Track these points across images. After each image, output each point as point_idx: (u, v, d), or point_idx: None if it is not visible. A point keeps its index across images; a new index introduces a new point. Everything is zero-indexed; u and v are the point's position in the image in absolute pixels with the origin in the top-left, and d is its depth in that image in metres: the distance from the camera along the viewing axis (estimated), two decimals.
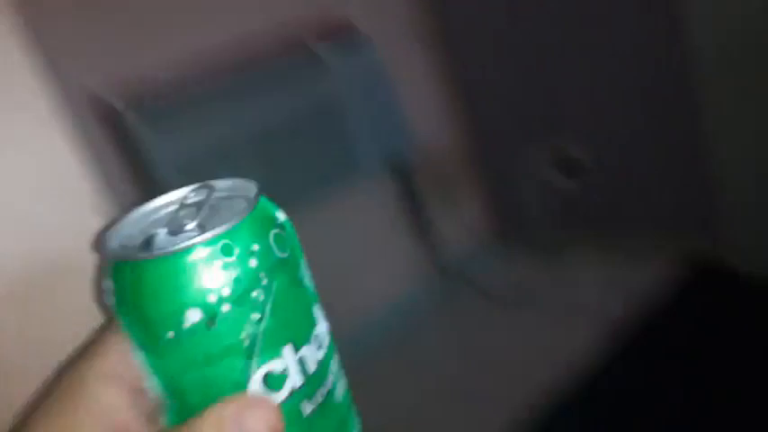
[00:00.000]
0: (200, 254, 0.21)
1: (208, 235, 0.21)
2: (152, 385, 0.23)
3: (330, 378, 0.24)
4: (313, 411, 0.23)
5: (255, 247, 0.22)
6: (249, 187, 0.24)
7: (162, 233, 0.23)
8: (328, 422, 0.24)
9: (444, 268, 1.99)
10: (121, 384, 0.23)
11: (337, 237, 1.67)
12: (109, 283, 0.22)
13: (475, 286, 1.92)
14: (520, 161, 1.87)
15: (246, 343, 0.21)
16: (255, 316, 0.21)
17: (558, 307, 1.70)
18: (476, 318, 1.73)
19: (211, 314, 0.21)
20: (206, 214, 0.23)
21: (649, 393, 1.25)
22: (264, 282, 0.22)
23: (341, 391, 0.25)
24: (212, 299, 0.21)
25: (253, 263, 0.21)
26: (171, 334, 0.21)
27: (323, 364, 0.24)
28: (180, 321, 0.21)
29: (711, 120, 1.40)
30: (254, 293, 0.21)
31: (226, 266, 0.21)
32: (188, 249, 0.21)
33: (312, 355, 0.23)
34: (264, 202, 0.24)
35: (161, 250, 0.22)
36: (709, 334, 1.37)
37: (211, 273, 0.21)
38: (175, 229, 0.23)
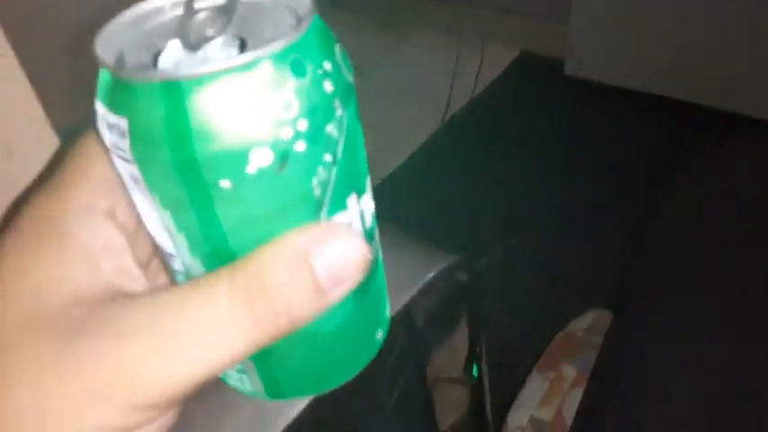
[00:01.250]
0: (268, 71, 0.15)
1: (276, 46, 0.16)
2: (174, 248, 0.17)
3: (377, 233, 0.21)
4: (368, 274, 0.19)
5: (328, 65, 0.17)
6: None
7: (174, 47, 0.17)
8: (378, 284, 0.22)
9: None
10: (110, 221, 0.18)
11: None
12: (117, 117, 0.16)
13: None
14: None
15: (318, 192, 0.17)
16: (328, 157, 0.17)
17: (391, 84, 1.69)
18: None
19: (283, 154, 0.16)
20: (240, 23, 0.17)
21: (474, 164, 1.39)
22: (339, 113, 0.17)
23: (380, 250, 0.22)
24: (286, 134, 0.16)
25: (328, 86, 0.17)
26: (226, 183, 0.16)
27: (374, 218, 0.21)
28: (242, 165, 0.15)
29: None
30: (330, 128, 0.17)
31: (300, 91, 0.16)
32: (252, 63, 0.15)
33: (369, 206, 0.20)
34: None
35: (209, 65, 0.15)
36: (531, 116, 1.51)
37: (284, 98, 0.16)
38: (195, 42, 0.17)
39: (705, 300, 0.43)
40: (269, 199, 0.16)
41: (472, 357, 0.50)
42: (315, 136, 0.16)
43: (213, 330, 0.16)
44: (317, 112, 0.16)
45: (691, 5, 1.34)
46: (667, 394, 0.40)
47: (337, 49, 0.18)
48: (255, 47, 0.16)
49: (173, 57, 0.17)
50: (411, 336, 0.47)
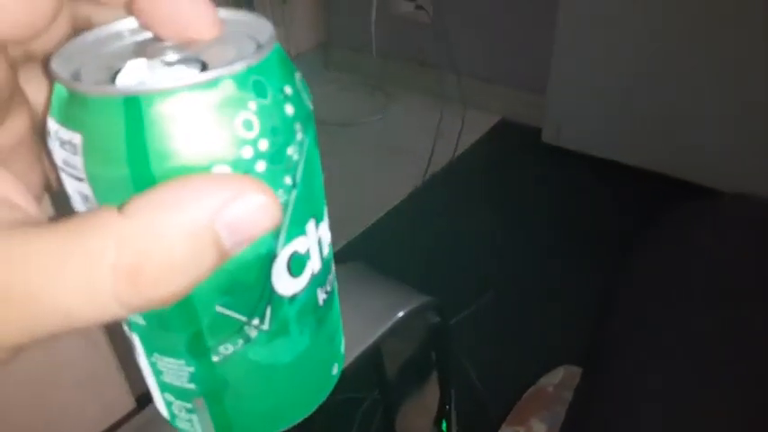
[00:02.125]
0: (230, 90, 0.15)
1: (238, 66, 0.15)
2: None
3: (333, 265, 0.21)
4: (324, 301, 0.20)
5: (289, 90, 0.17)
6: (246, 18, 0.18)
7: (134, 66, 0.16)
8: (334, 314, 0.21)
9: None
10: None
11: None
12: (71, 133, 0.15)
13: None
14: None
15: None
16: (288, 180, 0.16)
17: (377, 141, 1.75)
18: None
19: (243, 174, 0.15)
20: (200, 45, 0.17)
21: (452, 221, 1.44)
22: (299, 137, 0.17)
23: (334, 278, 0.21)
24: (247, 153, 0.15)
25: (289, 109, 0.16)
26: None
27: (330, 248, 0.20)
28: None
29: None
30: (290, 150, 0.16)
31: (261, 111, 0.16)
32: (214, 81, 0.15)
33: (326, 235, 0.19)
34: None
35: (170, 82, 0.14)
36: (508, 178, 1.58)
37: (246, 117, 0.15)
38: (156, 62, 0.16)
39: (671, 358, 0.45)
40: None
41: (442, 412, 0.50)
42: (275, 157, 0.16)
43: (88, 295, 0.13)
44: (278, 133, 0.16)
45: (661, 80, 1.43)
46: None
47: (297, 76, 0.18)
48: (217, 68, 0.15)
49: (131, 74, 0.16)
50: (381, 385, 0.48)
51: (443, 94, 1.72)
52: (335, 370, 0.21)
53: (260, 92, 0.16)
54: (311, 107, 0.18)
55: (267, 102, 0.16)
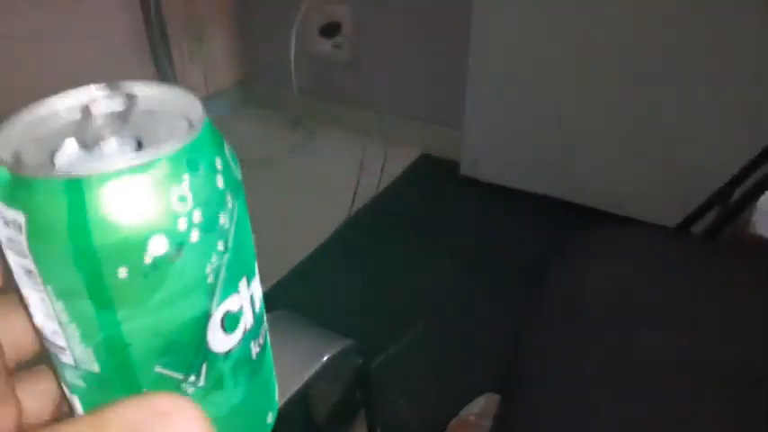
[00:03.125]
0: (164, 169, 0.16)
1: (172, 146, 0.17)
2: (65, 341, 0.18)
3: (264, 317, 0.22)
4: (257, 354, 0.21)
5: (219, 163, 0.18)
6: (178, 95, 0.19)
7: (71, 147, 0.17)
8: (267, 365, 0.22)
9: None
10: None
11: (69, 57, 1.42)
12: (15, 213, 0.16)
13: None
14: (283, 13, 1.78)
15: (210, 278, 0.18)
16: (221, 245, 0.18)
17: (301, 178, 1.75)
18: None
19: (179, 244, 0.17)
20: (136, 125, 0.18)
21: (378, 257, 1.45)
22: (230, 205, 0.18)
23: (267, 330, 0.23)
24: (182, 225, 0.17)
25: (220, 182, 0.18)
26: (123, 272, 0.16)
27: (262, 303, 0.21)
28: (140, 254, 0.16)
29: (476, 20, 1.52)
30: (222, 218, 0.18)
31: (194, 185, 0.17)
32: (150, 163, 0.16)
33: (257, 290, 0.21)
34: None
35: (109, 164, 0.16)
36: (430, 211, 1.63)
37: (180, 192, 0.17)
38: (93, 141, 0.17)
39: (581, 380, 0.48)
40: (164, 286, 0.17)
41: None
42: (208, 226, 0.17)
43: None
44: (210, 204, 0.17)
45: (570, 113, 1.54)
46: None
47: (227, 149, 0.19)
48: (152, 147, 0.17)
49: (69, 155, 0.17)
50: (311, 428, 0.48)
51: (365, 130, 1.76)
52: (270, 418, 0.22)
53: (193, 168, 0.17)
54: (239, 176, 0.19)
55: (199, 177, 0.17)
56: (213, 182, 0.17)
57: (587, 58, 1.45)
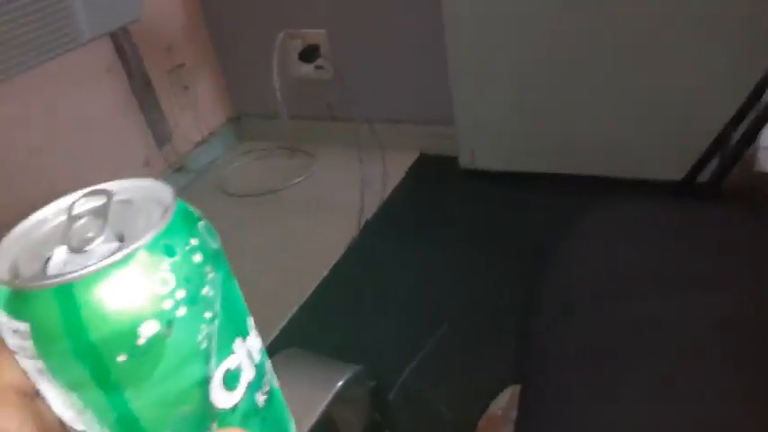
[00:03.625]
0: (144, 259, 0.19)
1: (148, 237, 0.19)
2: (83, 425, 0.20)
3: (268, 364, 0.23)
4: (264, 402, 0.23)
5: (194, 241, 0.20)
6: (151, 185, 0.22)
7: (61, 252, 0.20)
8: (277, 409, 0.24)
9: (180, 165, 1.88)
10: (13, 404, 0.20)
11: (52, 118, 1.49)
12: (19, 323, 0.18)
13: (215, 183, 1.87)
14: (261, 46, 1.81)
15: (204, 345, 0.20)
16: (208, 314, 0.20)
17: (305, 202, 1.77)
18: (221, 215, 1.69)
19: (168, 322, 0.19)
20: (115, 221, 0.20)
21: (395, 264, 1.47)
22: (211, 276, 0.20)
23: (275, 379, 0.24)
24: (168, 305, 0.19)
25: (197, 258, 0.20)
26: (122, 357, 0.18)
27: (262, 352, 0.23)
28: (133, 339, 0.18)
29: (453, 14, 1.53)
30: (205, 290, 0.20)
31: (173, 267, 0.19)
32: (130, 256, 0.18)
33: (255, 343, 0.22)
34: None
35: (93, 265, 0.18)
36: (436, 209, 1.64)
37: (161, 276, 0.19)
38: (79, 245, 0.19)
39: (593, 364, 0.48)
40: (161, 362, 0.19)
41: None
42: (193, 300, 0.19)
43: None
44: (191, 280, 0.19)
45: (558, 87, 1.54)
46: None
47: (200, 225, 0.21)
48: (131, 240, 0.19)
49: (61, 260, 0.19)
50: None
51: (360, 144, 1.78)
52: None
53: (170, 252, 0.19)
54: (217, 246, 0.21)
55: (177, 258, 0.19)
56: (191, 260, 0.19)
57: (567, 29, 1.44)
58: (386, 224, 1.62)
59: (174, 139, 1.86)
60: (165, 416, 0.20)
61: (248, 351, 0.21)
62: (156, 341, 0.18)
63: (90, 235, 0.20)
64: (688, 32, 1.36)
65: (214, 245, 0.21)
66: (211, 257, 0.20)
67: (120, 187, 0.22)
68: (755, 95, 1.18)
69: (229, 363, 0.21)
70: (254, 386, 0.22)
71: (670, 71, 1.41)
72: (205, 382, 0.20)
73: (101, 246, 0.19)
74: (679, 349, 0.44)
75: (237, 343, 0.21)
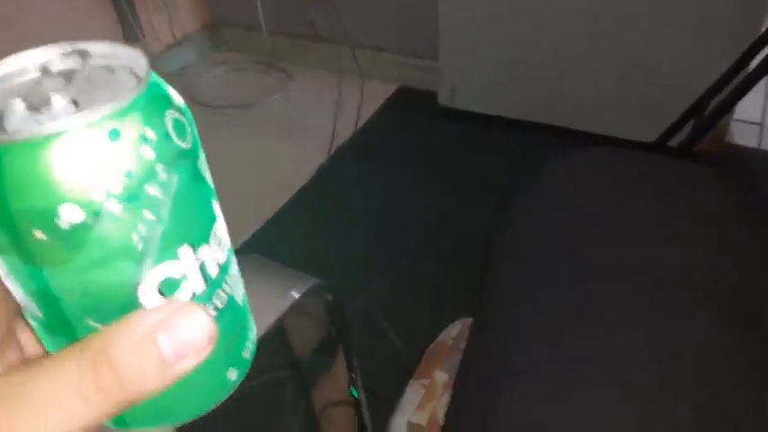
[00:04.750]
0: (80, 138, 0.17)
1: (91, 115, 0.17)
2: (13, 290, 0.19)
3: (230, 281, 0.22)
4: (215, 318, 0.21)
5: (151, 133, 0.18)
6: (136, 57, 0.19)
7: (18, 108, 0.18)
8: (231, 328, 0.22)
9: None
10: None
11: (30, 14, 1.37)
12: None
13: (184, 89, 1.80)
14: None
15: (140, 247, 0.18)
16: (150, 216, 0.18)
17: (278, 120, 1.73)
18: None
19: (95, 213, 0.17)
20: (81, 87, 0.18)
21: (363, 192, 1.47)
22: (163, 177, 0.18)
23: (240, 294, 0.23)
24: (97, 195, 0.17)
25: (148, 153, 0.18)
26: (40, 234, 0.17)
27: (224, 267, 0.21)
28: (51, 218, 0.17)
29: None
30: (150, 190, 0.18)
31: (114, 156, 0.17)
32: (63, 132, 0.16)
33: (212, 256, 0.20)
34: (156, 78, 0.19)
35: (22, 131, 0.17)
36: (410, 143, 1.62)
37: (96, 163, 0.17)
38: (38, 104, 0.18)
39: (541, 300, 0.50)
40: (84, 250, 0.17)
41: (351, 380, 0.53)
42: (131, 198, 0.17)
43: (64, 405, 0.17)
44: (133, 176, 0.17)
45: (545, 36, 1.51)
46: (514, 383, 0.46)
47: (169, 117, 0.19)
48: (80, 112, 0.17)
49: (14, 116, 0.18)
50: (292, 365, 0.50)
51: (340, 68, 1.73)
52: (234, 376, 0.23)
53: (114, 136, 0.17)
54: (187, 146, 0.19)
55: (122, 147, 0.17)
56: (139, 153, 0.17)
57: None
58: (357, 152, 1.60)
59: (147, 40, 1.77)
60: (87, 304, 0.19)
61: (201, 263, 0.20)
62: (80, 228, 0.17)
63: (51, 95, 0.18)
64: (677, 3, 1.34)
65: (182, 143, 0.19)
66: (170, 156, 0.18)
67: (102, 51, 0.19)
68: (735, 68, 1.19)
69: (169, 270, 0.19)
70: (201, 299, 0.20)
71: (656, 37, 1.40)
72: (134, 283, 0.19)
73: (56, 110, 0.18)
74: (641, 294, 0.45)
75: (184, 251, 0.19)
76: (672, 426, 0.40)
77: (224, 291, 0.21)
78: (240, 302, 0.23)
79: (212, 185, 0.21)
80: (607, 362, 0.44)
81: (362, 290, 1.20)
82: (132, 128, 0.17)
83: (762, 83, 1.11)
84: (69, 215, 0.17)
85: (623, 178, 0.56)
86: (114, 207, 0.17)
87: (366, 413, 0.51)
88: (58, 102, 0.18)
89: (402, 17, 1.72)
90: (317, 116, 1.68)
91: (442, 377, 0.68)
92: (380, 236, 1.38)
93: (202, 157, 0.20)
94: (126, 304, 0.19)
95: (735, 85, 1.13)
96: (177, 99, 0.20)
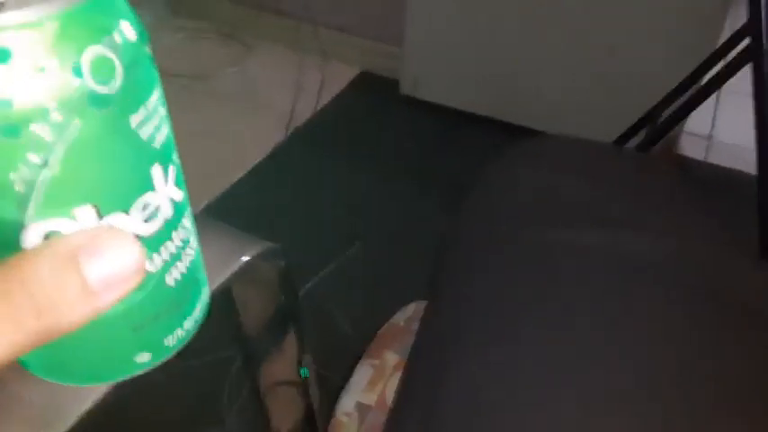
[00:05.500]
0: None
1: None
2: None
3: (160, 257, 0.20)
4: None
5: (51, 63, 0.15)
6: None
7: None
8: (142, 308, 0.20)
9: None
10: None
11: None
12: None
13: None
14: None
15: (19, 188, 0.16)
16: (34, 158, 0.16)
17: (234, 95, 1.68)
18: None
19: None
20: None
21: (317, 176, 1.44)
22: (57, 117, 0.16)
23: (177, 272, 0.21)
24: None
25: (39, 85, 0.15)
26: None
27: (149, 241, 0.19)
28: None
29: None
30: (36, 128, 0.15)
31: None
32: None
33: (129, 227, 0.18)
34: (106, 5, 0.17)
35: None
36: (369, 130, 1.61)
37: None
38: None
39: (490, 282, 0.49)
40: None
41: (300, 359, 0.52)
42: (9, 130, 0.15)
43: None
44: (13, 105, 0.15)
45: (511, 33, 1.52)
46: (462, 365, 0.46)
47: (91, 51, 0.16)
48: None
49: None
50: (240, 342, 0.48)
51: (302, 46, 1.69)
52: (143, 358, 0.21)
53: (1, 58, 0.15)
54: (108, 90, 0.16)
55: (6, 70, 0.15)
56: (26, 83, 0.15)
57: None
58: (314, 135, 1.57)
59: None
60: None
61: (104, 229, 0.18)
62: None
63: None
64: (640, 12, 1.38)
65: (98, 87, 0.16)
66: (73, 97, 0.16)
67: None
68: (690, 81, 1.22)
69: (58, 225, 0.17)
70: None
71: (619, 43, 1.43)
72: (16, 227, 0.17)
73: None
74: (595, 278, 0.45)
75: (82, 212, 0.17)
76: (622, 413, 0.40)
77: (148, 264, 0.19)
78: (171, 283, 0.20)
79: (161, 150, 0.19)
80: (557, 348, 0.44)
81: (314, 273, 1.18)
82: (29, 51, 0.15)
83: (712, 97, 1.15)
84: None
85: (581, 165, 0.56)
86: None
87: (315, 393, 0.49)
88: None
89: (368, 0, 1.69)
90: (276, 93, 1.64)
91: (392, 358, 0.68)
92: (333, 219, 1.36)
93: (147, 113, 0.18)
94: (8, 245, 0.17)
95: (687, 97, 1.17)
96: (127, 33, 0.17)
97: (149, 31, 0.19)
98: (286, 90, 1.62)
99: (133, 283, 0.17)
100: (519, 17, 1.48)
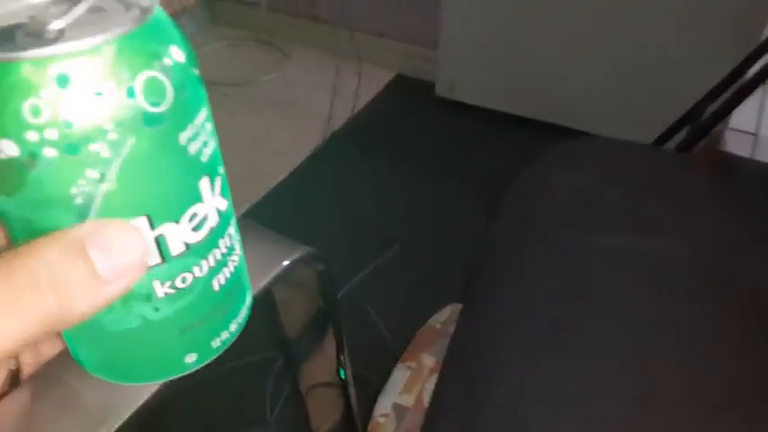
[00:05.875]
0: (25, 73, 0.16)
1: (38, 52, 0.16)
2: None
3: (207, 263, 0.21)
4: (168, 296, 0.20)
5: (108, 87, 0.16)
6: None
7: (21, 29, 0.16)
8: (190, 311, 0.21)
9: None
10: None
11: None
12: None
13: None
14: None
15: (79, 201, 0.17)
16: (93, 174, 0.17)
17: (273, 101, 1.71)
18: None
19: (30, 154, 0.16)
20: (80, 16, 0.17)
21: (355, 179, 1.45)
22: (113, 136, 0.17)
23: (223, 278, 0.22)
24: (32, 137, 0.16)
25: (97, 108, 0.16)
26: None
27: (197, 249, 0.20)
28: None
29: None
30: (94, 147, 0.17)
31: (56, 101, 0.16)
32: (8, 64, 0.15)
33: (179, 235, 0.19)
34: (158, 24, 0.18)
35: None
36: (406, 133, 1.62)
37: (35, 104, 0.16)
38: (36, 30, 0.16)
39: (527, 286, 0.49)
40: (25, 188, 0.17)
41: (339, 361, 0.53)
42: (69, 148, 0.16)
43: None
44: (73, 127, 0.16)
45: (546, 33, 1.51)
46: (502, 369, 0.46)
47: (142, 76, 0.17)
48: (48, 43, 0.16)
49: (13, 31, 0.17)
50: (281, 344, 0.49)
51: (338, 51, 1.71)
52: (191, 359, 0.22)
53: (62, 83, 0.16)
54: (160, 111, 0.17)
55: (67, 94, 0.16)
56: (86, 106, 0.16)
57: None
58: (352, 138, 1.59)
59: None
60: (30, 239, 0.17)
61: (160, 239, 0.19)
62: (16, 164, 0.16)
63: (49, 21, 0.16)
64: (678, 8, 1.34)
65: (151, 107, 0.17)
66: (128, 117, 0.17)
67: None
68: (733, 76, 1.19)
69: None
70: (152, 275, 0.19)
71: (658, 41, 1.40)
72: None
73: (32, 36, 0.16)
74: (640, 286, 0.45)
75: (135, 223, 0.18)
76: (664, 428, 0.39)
77: (192, 272, 0.20)
78: (217, 288, 0.21)
79: (208, 163, 0.20)
80: (601, 362, 0.44)
81: (351, 275, 1.19)
82: (87, 77, 0.16)
83: (758, 92, 1.11)
84: (6, 149, 0.16)
85: (619, 167, 0.56)
86: (51, 153, 0.16)
87: (353, 394, 0.50)
88: (50, 29, 0.16)
89: (404, 3, 1.70)
90: (313, 98, 1.66)
91: (428, 360, 0.68)
92: (371, 221, 1.37)
93: (195, 130, 0.19)
94: None
95: (731, 93, 1.14)
96: (176, 56, 0.18)
97: (191, 41, 0.20)
98: (323, 94, 1.65)
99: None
100: (553, 17, 1.47)
